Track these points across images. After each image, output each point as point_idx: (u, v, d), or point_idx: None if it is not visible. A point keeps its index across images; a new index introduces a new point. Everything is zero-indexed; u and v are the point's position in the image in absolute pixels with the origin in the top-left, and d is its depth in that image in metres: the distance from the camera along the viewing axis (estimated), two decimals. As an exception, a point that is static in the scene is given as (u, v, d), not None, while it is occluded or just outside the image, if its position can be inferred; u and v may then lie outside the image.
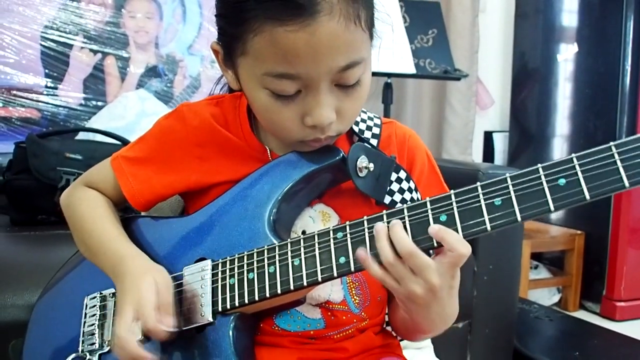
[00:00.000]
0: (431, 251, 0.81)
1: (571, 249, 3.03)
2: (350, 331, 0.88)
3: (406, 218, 0.70)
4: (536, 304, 2.63)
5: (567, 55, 3.23)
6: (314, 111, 0.75)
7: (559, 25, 3.32)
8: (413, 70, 2.45)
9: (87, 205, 0.94)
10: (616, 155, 0.61)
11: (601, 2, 3.04)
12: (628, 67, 2.88)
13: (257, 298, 0.77)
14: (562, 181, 0.62)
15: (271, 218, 0.82)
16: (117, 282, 0.84)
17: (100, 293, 0.92)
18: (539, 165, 0.64)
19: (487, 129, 3.65)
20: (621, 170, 0.60)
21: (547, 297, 3.08)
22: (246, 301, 0.77)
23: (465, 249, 0.67)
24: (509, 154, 3.58)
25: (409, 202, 0.84)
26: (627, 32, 2.86)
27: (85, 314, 0.92)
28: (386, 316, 0.95)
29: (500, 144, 3.62)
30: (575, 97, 3.22)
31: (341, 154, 0.83)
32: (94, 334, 0.89)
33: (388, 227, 0.69)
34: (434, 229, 0.67)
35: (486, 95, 3.60)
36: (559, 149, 3.31)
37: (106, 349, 0.88)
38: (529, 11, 3.47)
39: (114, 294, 0.90)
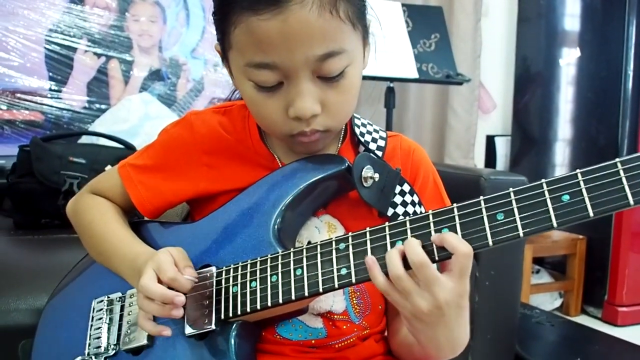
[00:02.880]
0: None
1: (573, 253, 3.03)
2: (351, 340, 0.88)
3: (408, 231, 0.70)
4: (538, 309, 2.63)
5: (569, 59, 3.24)
6: (295, 102, 0.76)
7: (562, 30, 3.32)
8: (415, 75, 2.45)
9: (96, 211, 0.95)
10: (622, 172, 0.59)
11: (603, 6, 3.04)
12: (630, 72, 2.88)
13: (259, 307, 0.77)
14: (565, 197, 0.62)
15: (276, 227, 0.83)
16: (136, 277, 0.83)
17: (108, 297, 0.93)
18: (543, 180, 0.63)
19: (489, 133, 3.65)
20: (626, 188, 0.59)
21: (548, 301, 3.08)
22: (248, 310, 0.77)
23: (466, 247, 0.65)
24: (511, 158, 3.58)
25: (412, 215, 0.85)
26: (630, 36, 2.86)
27: (92, 317, 0.93)
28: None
29: (503, 148, 3.61)
30: (577, 101, 3.22)
31: (346, 163, 0.84)
32: (100, 337, 0.90)
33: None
34: (435, 237, 0.67)
35: (488, 100, 3.61)
36: (561, 153, 3.31)
37: (111, 353, 0.88)
38: (531, 15, 3.47)
39: (120, 298, 0.91)
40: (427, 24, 2.58)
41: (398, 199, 0.87)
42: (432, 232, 0.68)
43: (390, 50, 2.39)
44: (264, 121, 0.83)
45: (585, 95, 3.16)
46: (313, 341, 0.87)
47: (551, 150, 3.36)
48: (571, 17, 3.27)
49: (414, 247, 0.67)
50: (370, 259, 0.69)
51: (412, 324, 0.73)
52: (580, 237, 3.03)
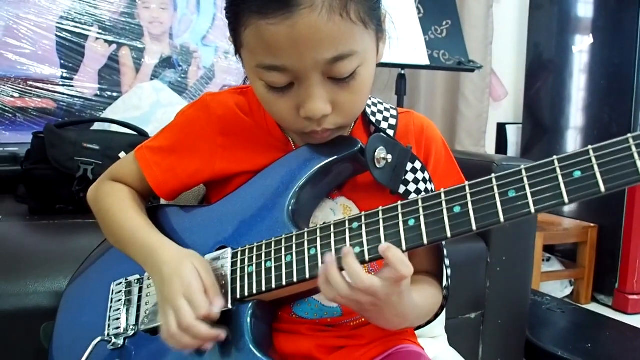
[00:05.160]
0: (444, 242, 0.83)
1: (584, 241, 3.02)
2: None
3: (420, 210, 0.70)
4: (548, 296, 2.63)
5: (582, 46, 3.22)
6: (306, 103, 0.76)
7: (574, 16, 3.30)
8: (427, 62, 2.44)
9: (113, 198, 0.95)
10: (633, 148, 0.59)
11: (617, -7, 3.03)
12: (644, 59, 2.86)
13: (274, 286, 0.78)
14: (577, 173, 0.62)
15: (290, 208, 0.84)
16: (153, 272, 0.85)
17: (126, 279, 0.94)
18: (555, 157, 0.63)
19: (501, 120, 3.64)
20: (638, 163, 0.59)
21: (559, 289, 3.08)
22: (263, 289, 0.79)
23: (406, 270, 0.68)
24: (522, 146, 3.57)
25: (422, 193, 0.86)
26: (643, 23, 2.84)
27: (112, 299, 0.94)
28: None
29: (514, 135, 3.61)
30: (589, 88, 3.20)
31: (359, 145, 0.84)
32: (119, 318, 0.92)
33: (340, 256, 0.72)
34: (382, 247, 0.69)
35: (500, 87, 3.59)
36: (572, 141, 3.30)
37: (130, 333, 0.90)
38: (543, 2, 3.45)
39: (138, 279, 0.93)
40: (438, 11, 2.57)
41: (410, 177, 0.88)
42: (444, 211, 0.68)
43: (401, 37, 2.39)
44: (276, 118, 0.85)
45: (598, 82, 3.14)
46: (329, 320, 0.89)
47: (563, 138, 3.35)
48: (584, 4, 3.25)
49: (354, 270, 0.70)
50: (329, 258, 0.72)
51: (361, 313, 0.77)
52: (592, 225, 3.03)
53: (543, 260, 3.03)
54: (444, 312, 0.94)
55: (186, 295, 0.77)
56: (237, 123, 0.92)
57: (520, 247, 1.89)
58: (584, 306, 2.89)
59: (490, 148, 3.58)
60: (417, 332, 1.00)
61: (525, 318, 1.98)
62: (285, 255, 0.78)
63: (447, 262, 0.89)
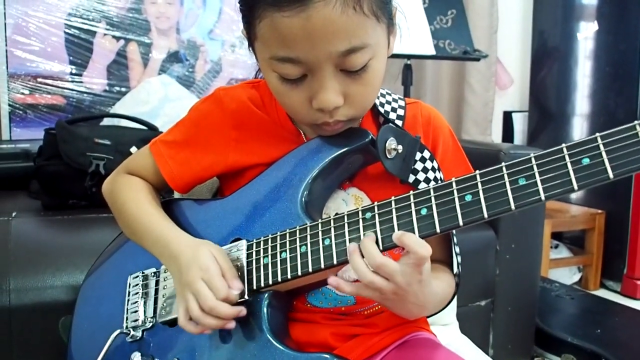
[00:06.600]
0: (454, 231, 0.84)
1: (592, 228, 3.03)
2: (379, 307, 0.92)
3: (432, 199, 0.72)
4: (557, 283, 2.64)
5: (587, 33, 3.21)
6: (319, 95, 0.77)
7: (579, 3, 3.29)
8: (432, 52, 2.45)
9: (129, 191, 0.97)
10: None
11: (621, -21, 3.01)
12: (649, 45, 2.85)
13: (289, 276, 0.79)
14: (585, 160, 0.63)
15: (303, 199, 0.85)
16: (170, 263, 0.86)
17: (142, 272, 0.96)
18: (563, 145, 0.65)
19: (507, 109, 3.64)
20: None
21: (567, 276, 3.08)
22: (279, 279, 0.80)
23: (425, 250, 0.70)
24: (528, 134, 3.57)
25: (432, 181, 0.87)
26: (648, 9, 2.83)
27: (129, 292, 0.96)
28: None
29: (520, 124, 3.60)
30: (595, 75, 3.19)
31: (370, 136, 0.85)
32: (137, 311, 0.93)
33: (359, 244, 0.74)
34: (396, 235, 0.71)
35: (505, 75, 3.59)
36: (579, 128, 3.29)
37: (148, 325, 0.92)
38: (548, -11, 3.44)
39: (155, 273, 0.94)
40: (443, 0, 2.57)
41: (419, 166, 0.89)
42: (456, 200, 0.70)
43: (407, 27, 2.39)
44: (288, 110, 0.86)
45: (603, 69, 3.13)
46: (343, 308, 0.90)
47: (569, 125, 3.34)
48: (588, -10, 3.25)
49: (370, 252, 0.72)
50: (332, 281, 0.74)
51: (383, 303, 0.79)
52: (599, 211, 3.03)
53: (551, 247, 3.04)
54: (455, 300, 0.96)
55: (205, 279, 0.79)
56: (249, 116, 0.93)
57: (529, 234, 1.90)
58: (592, 292, 2.89)
59: (496, 136, 3.58)
60: (429, 320, 1.01)
61: (534, 305, 2.00)
62: (300, 246, 0.79)
63: (457, 249, 0.90)
